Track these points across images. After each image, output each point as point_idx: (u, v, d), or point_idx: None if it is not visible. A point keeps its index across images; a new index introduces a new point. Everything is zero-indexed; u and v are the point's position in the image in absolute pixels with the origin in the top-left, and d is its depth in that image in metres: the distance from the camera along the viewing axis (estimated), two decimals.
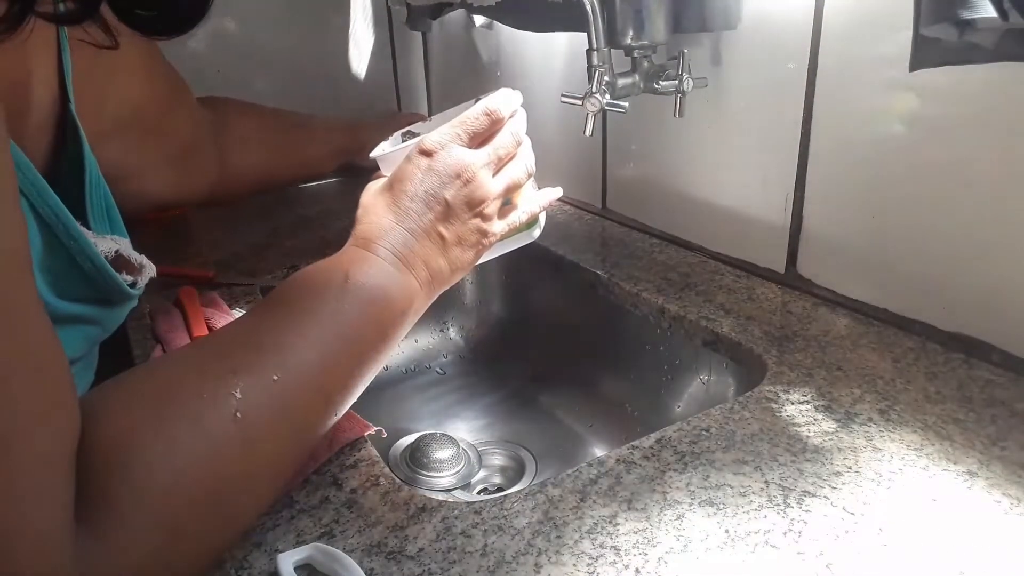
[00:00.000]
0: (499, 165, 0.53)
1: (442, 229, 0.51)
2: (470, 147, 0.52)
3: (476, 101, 0.55)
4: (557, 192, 0.59)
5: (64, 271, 0.45)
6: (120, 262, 0.50)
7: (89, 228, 0.50)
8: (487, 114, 0.52)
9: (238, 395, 0.39)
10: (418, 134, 0.62)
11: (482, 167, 0.52)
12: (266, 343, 0.43)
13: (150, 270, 0.53)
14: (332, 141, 1.05)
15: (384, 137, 0.62)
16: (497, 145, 0.53)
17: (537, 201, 0.57)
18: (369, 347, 0.47)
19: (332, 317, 0.46)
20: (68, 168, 0.51)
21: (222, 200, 0.94)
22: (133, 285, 0.51)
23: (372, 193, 0.53)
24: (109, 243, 0.49)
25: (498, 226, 0.54)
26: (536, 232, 0.59)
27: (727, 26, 0.71)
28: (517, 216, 0.56)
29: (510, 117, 0.54)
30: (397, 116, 1.17)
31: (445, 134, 0.52)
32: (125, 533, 0.34)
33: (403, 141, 0.62)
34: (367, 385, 0.48)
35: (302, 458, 0.46)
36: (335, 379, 0.45)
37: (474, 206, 0.51)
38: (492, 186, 0.52)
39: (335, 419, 0.47)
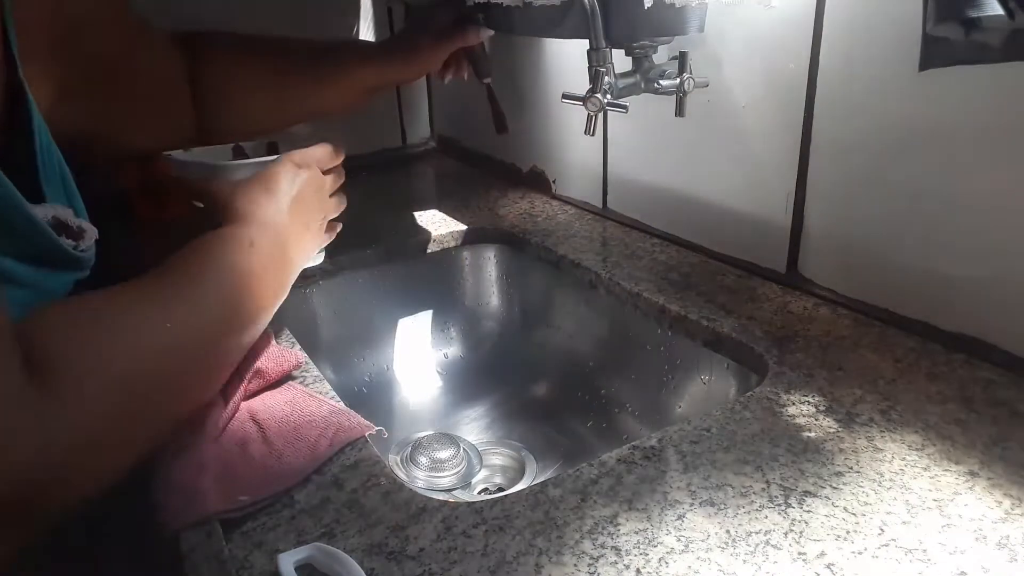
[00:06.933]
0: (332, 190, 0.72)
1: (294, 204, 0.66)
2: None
3: (276, 159, 0.68)
4: (338, 227, 0.74)
5: None
6: (59, 227, 0.48)
7: (44, 198, 0.49)
8: (333, 154, 0.71)
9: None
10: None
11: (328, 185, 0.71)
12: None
13: (92, 233, 0.52)
14: (361, 79, 0.85)
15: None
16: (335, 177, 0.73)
17: (334, 229, 0.74)
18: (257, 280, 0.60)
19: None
20: (19, 135, 0.49)
21: (211, 144, 0.85)
22: (76, 250, 0.50)
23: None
24: (45, 209, 0.48)
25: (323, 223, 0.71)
26: (320, 258, 0.78)
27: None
28: (328, 235, 0.73)
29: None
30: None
31: (308, 156, 0.69)
32: (79, 392, 0.39)
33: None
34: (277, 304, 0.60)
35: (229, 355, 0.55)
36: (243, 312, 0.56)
37: (324, 209, 0.70)
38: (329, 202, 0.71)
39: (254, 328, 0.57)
